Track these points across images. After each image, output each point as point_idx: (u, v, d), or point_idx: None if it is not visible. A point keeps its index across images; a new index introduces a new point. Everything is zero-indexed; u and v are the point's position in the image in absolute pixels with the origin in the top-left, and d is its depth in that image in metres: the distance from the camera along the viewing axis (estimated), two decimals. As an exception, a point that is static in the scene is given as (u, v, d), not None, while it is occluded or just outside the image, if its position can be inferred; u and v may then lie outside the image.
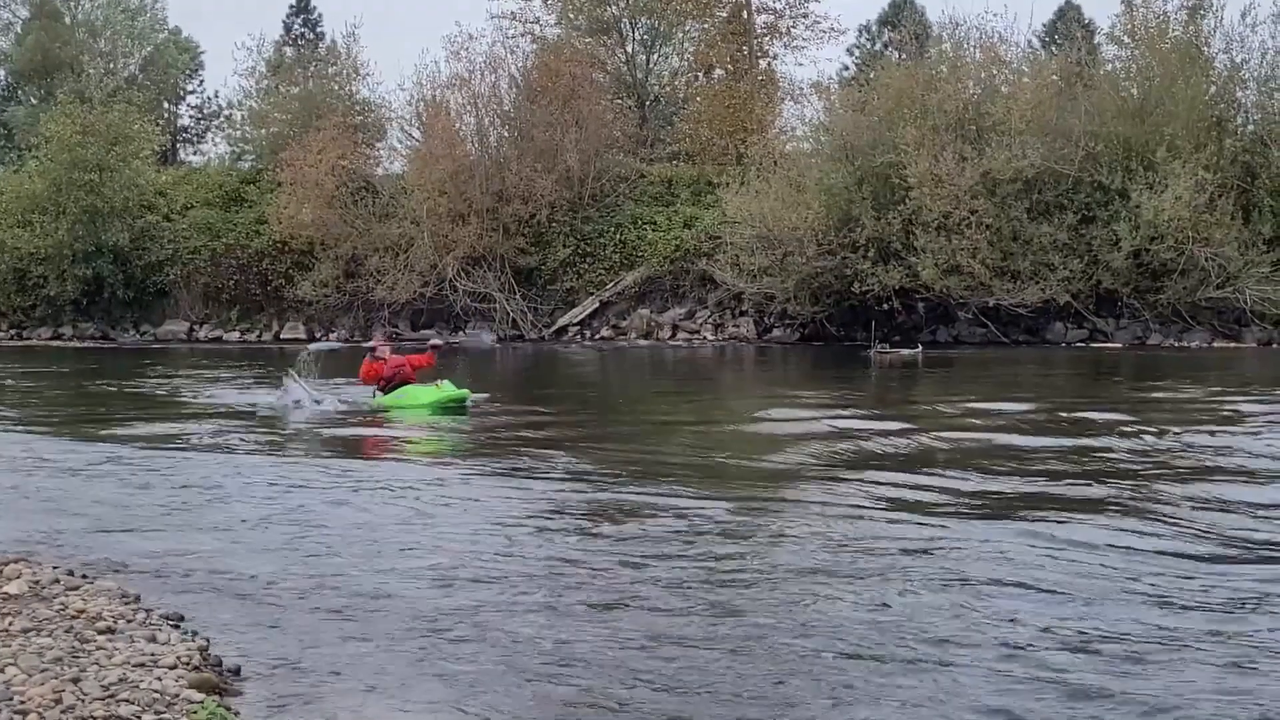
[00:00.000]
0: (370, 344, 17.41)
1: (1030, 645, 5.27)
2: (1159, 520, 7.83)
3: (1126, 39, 37.00)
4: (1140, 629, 5.46)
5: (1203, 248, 31.51)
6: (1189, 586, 6.17)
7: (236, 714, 4.55)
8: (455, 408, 15.52)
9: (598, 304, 39.21)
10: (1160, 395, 18.00)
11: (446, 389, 15.65)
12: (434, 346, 17.88)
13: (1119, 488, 9.11)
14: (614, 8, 47.94)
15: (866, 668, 5.04)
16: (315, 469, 10.78)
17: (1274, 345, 31.25)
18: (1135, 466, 10.38)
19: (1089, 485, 9.25)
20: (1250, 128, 35.13)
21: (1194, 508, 8.26)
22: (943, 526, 7.75)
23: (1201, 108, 33.82)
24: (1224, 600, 5.94)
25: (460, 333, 15.57)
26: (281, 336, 41.50)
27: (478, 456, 12.43)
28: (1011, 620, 5.63)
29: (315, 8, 56.71)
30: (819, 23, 47.81)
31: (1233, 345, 31.48)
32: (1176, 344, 32.06)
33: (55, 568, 6.52)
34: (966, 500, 8.79)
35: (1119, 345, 32.27)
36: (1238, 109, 35.65)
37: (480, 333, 16.47)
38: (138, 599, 5.99)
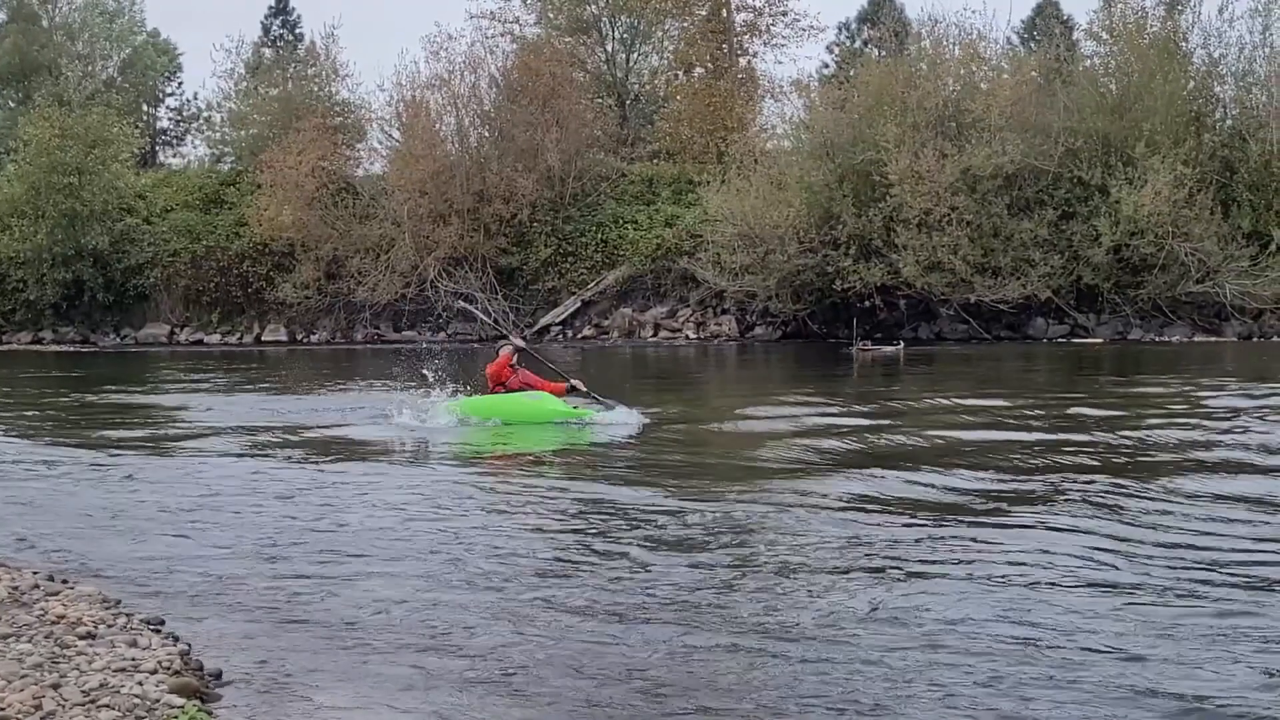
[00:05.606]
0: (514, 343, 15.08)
1: (1021, 639, 5.28)
2: (1146, 514, 7.86)
3: (1105, 35, 37.23)
4: (1135, 624, 5.48)
5: (1182, 243, 31.69)
6: (1180, 580, 6.20)
7: (218, 718, 4.53)
8: (575, 423, 13.84)
9: (579, 303, 39.22)
10: (1141, 390, 18.08)
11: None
12: (518, 349, 14.88)
13: (1103, 482, 9.12)
14: (593, 7, 47.96)
15: (859, 665, 5.04)
16: (297, 474, 10.73)
17: (1254, 339, 31.41)
18: (1119, 460, 10.41)
19: (1072, 479, 9.26)
20: (1228, 122, 35.38)
21: (1179, 501, 8.29)
22: (927, 523, 7.77)
23: (1180, 103, 34.03)
24: (1215, 594, 5.96)
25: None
26: (263, 339, 41.44)
27: (463, 459, 12.40)
28: (1002, 616, 5.64)
29: (294, 9, 56.61)
30: (798, 20, 47.93)
31: (1213, 339, 31.62)
32: (1157, 339, 32.21)
33: (35, 573, 6.49)
34: (949, 496, 8.80)
35: (1100, 340, 32.38)
36: (1216, 104, 35.90)
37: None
38: (118, 604, 5.96)
